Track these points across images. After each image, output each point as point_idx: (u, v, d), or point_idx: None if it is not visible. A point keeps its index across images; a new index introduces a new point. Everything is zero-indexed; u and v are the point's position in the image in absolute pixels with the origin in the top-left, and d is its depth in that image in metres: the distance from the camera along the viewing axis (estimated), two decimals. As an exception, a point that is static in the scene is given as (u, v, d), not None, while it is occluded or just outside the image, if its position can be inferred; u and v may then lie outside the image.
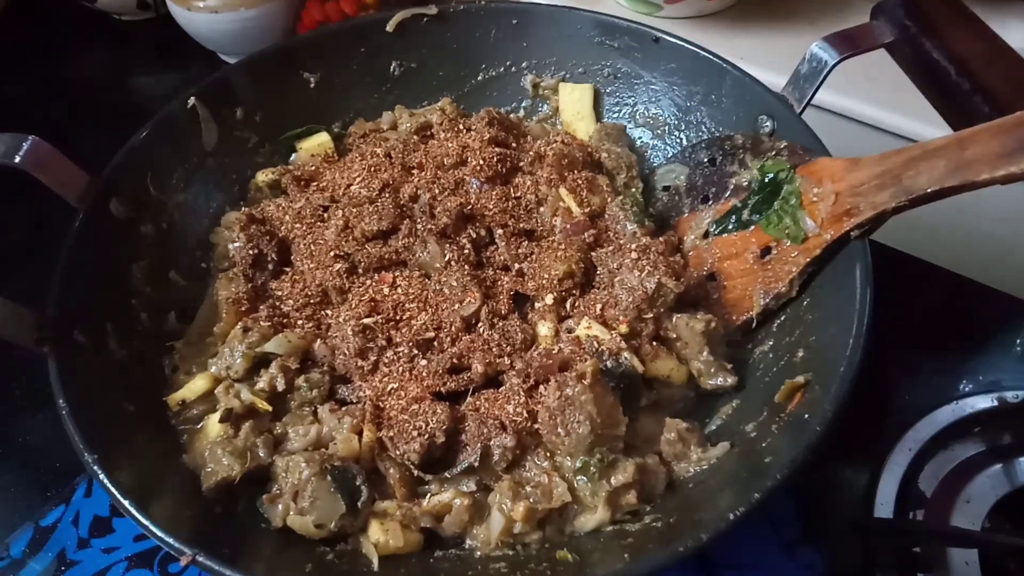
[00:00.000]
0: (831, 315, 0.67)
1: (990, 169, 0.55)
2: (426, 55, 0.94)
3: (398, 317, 0.74)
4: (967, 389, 0.83)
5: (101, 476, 0.59)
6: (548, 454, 0.66)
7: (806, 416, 0.61)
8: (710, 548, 0.63)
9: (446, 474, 0.65)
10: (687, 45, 0.84)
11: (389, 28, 0.92)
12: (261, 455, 0.66)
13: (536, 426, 0.66)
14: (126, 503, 0.57)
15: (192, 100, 0.83)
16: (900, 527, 0.74)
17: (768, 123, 0.78)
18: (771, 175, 0.73)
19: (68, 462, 0.81)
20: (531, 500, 0.63)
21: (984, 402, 0.80)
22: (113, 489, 0.58)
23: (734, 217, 0.76)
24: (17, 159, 0.67)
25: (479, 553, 0.64)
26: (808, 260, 0.68)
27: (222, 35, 1.18)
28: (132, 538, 0.76)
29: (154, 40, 1.31)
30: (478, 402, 0.69)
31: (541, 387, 0.67)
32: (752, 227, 0.74)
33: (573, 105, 0.93)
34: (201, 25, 1.17)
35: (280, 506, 0.64)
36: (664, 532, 0.62)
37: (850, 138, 1.06)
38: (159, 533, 0.56)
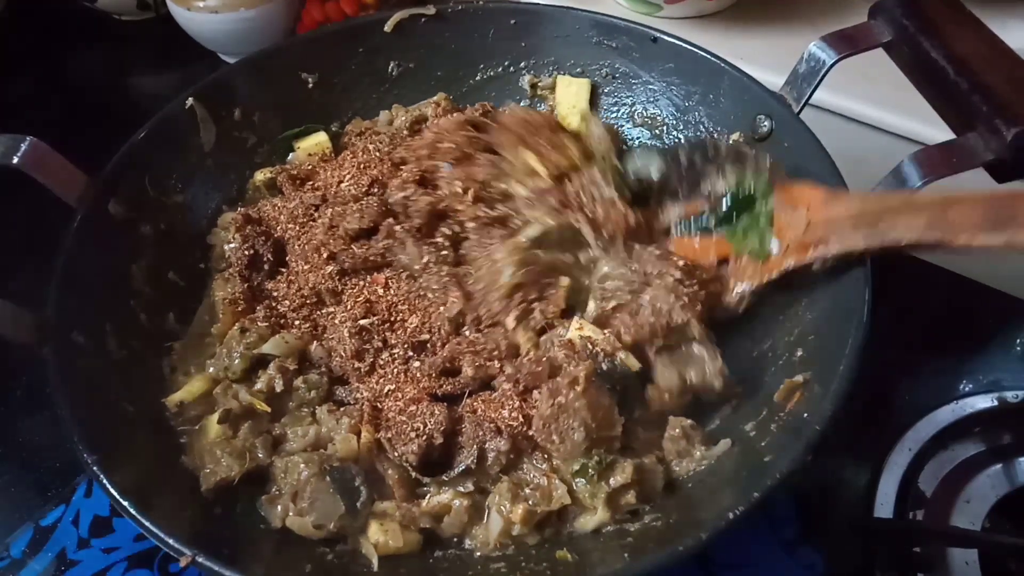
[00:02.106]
0: (830, 315, 0.67)
1: (968, 236, 0.56)
2: (424, 55, 0.94)
3: (393, 319, 0.74)
4: (967, 389, 0.83)
5: (101, 477, 0.59)
6: (546, 456, 0.66)
7: (805, 415, 0.61)
8: (710, 548, 0.63)
9: (443, 476, 0.65)
10: (685, 45, 0.84)
11: (387, 28, 0.92)
12: (260, 456, 0.66)
13: (531, 431, 0.66)
14: (125, 504, 0.57)
15: (190, 100, 0.83)
16: (900, 527, 0.74)
17: (766, 123, 0.78)
18: (749, 190, 0.73)
19: (68, 462, 0.81)
20: (530, 502, 0.63)
21: (984, 402, 0.80)
22: (112, 490, 0.58)
23: (700, 221, 0.75)
24: (15, 160, 0.67)
25: (478, 553, 0.64)
26: (762, 282, 0.68)
27: (222, 35, 1.18)
28: (132, 538, 0.75)
29: (154, 40, 1.31)
30: (475, 403, 0.69)
31: (535, 392, 0.67)
32: (716, 235, 0.73)
33: (570, 99, 0.92)
34: (201, 25, 1.17)
35: (279, 507, 0.64)
36: (664, 532, 0.62)
37: (848, 138, 1.06)
38: (159, 534, 0.56)
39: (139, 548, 0.75)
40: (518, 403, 0.66)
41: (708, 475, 0.66)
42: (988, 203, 0.56)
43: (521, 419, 0.66)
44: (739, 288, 0.70)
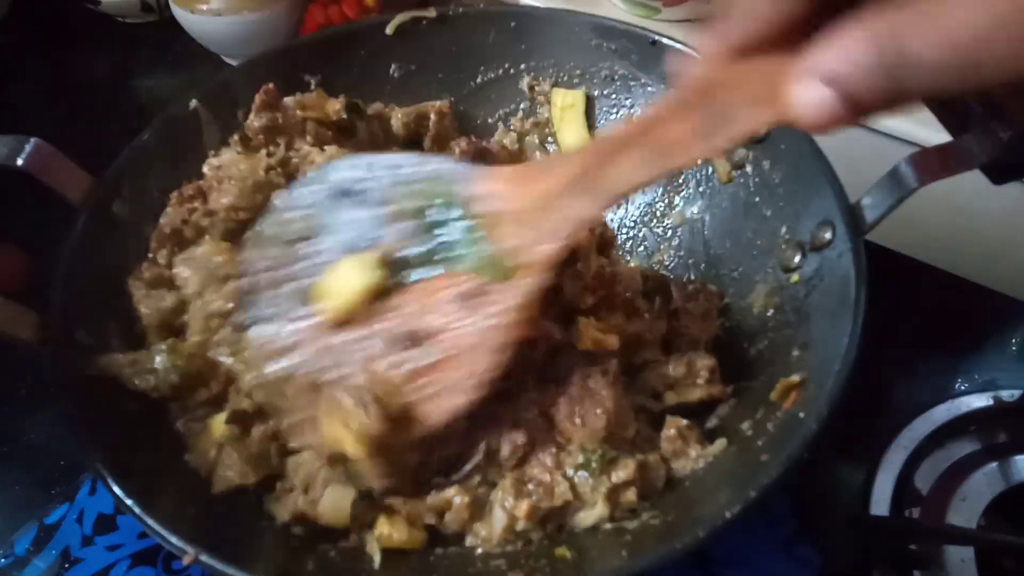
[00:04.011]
0: (826, 314, 0.67)
1: (686, 156, 0.49)
2: (425, 58, 0.94)
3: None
4: (963, 388, 0.83)
5: (105, 475, 0.59)
6: (554, 450, 0.67)
7: (801, 415, 0.61)
8: (708, 546, 0.63)
9: (454, 477, 0.66)
10: (684, 48, 0.85)
11: (389, 31, 0.92)
12: (274, 462, 0.67)
13: (552, 410, 0.66)
14: (129, 503, 0.58)
15: (194, 102, 0.84)
16: (896, 525, 0.75)
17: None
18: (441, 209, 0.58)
19: (72, 460, 0.81)
20: (533, 498, 0.64)
21: (980, 401, 0.81)
22: (117, 489, 0.58)
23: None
24: (20, 161, 0.68)
25: (480, 551, 0.64)
26: (520, 303, 0.56)
27: (225, 38, 1.18)
28: (136, 535, 0.76)
29: (157, 43, 1.31)
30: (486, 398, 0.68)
31: (552, 383, 0.68)
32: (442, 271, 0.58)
33: (565, 111, 0.93)
34: (204, 28, 1.18)
35: (289, 500, 0.65)
36: (662, 530, 0.62)
37: (844, 140, 1.07)
38: (162, 532, 0.57)
39: (143, 545, 0.75)
40: (535, 394, 0.67)
41: (706, 474, 0.66)
42: (698, 109, 0.47)
43: (536, 411, 0.66)
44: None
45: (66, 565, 0.75)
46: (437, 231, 0.58)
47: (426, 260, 0.59)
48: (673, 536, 0.57)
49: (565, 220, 0.54)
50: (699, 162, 0.52)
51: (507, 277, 0.56)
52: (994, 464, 0.78)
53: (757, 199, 0.81)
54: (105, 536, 0.76)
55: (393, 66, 0.95)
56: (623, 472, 0.64)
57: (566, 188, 0.53)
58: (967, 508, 0.75)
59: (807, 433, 0.58)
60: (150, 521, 0.57)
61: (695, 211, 0.87)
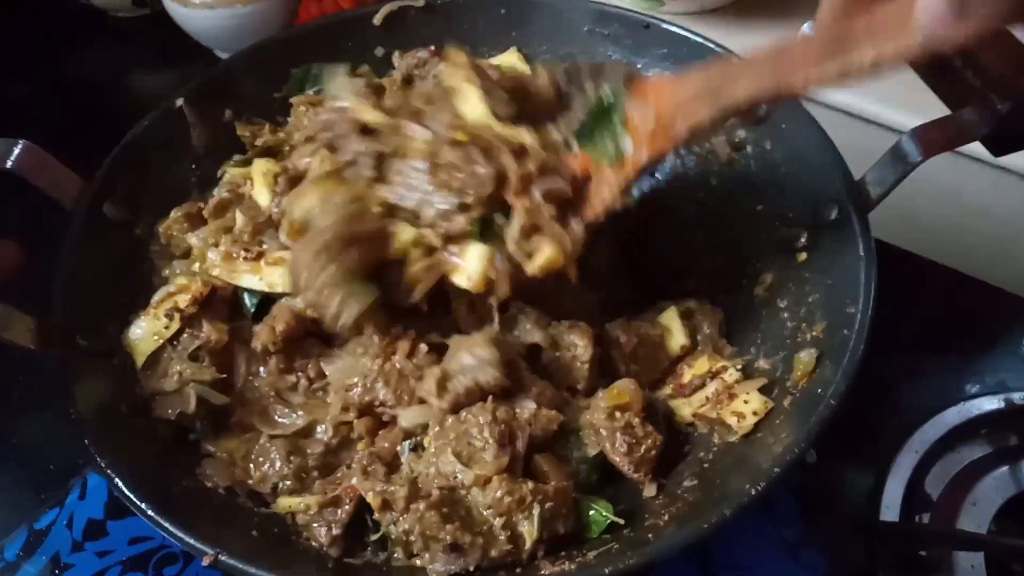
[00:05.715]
0: (836, 290, 0.66)
1: (803, 76, 0.54)
2: (414, 47, 0.92)
3: None
4: (973, 390, 0.82)
5: (116, 481, 0.58)
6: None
7: (819, 391, 0.61)
8: (713, 545, 0.64)
9: None
10: (677, 30, 0.82)
11: (376, 21, 0.90)
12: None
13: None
14: (144, 507, 0.57)
15: (180, 101, 0.82)
16: (906, 530, 0.74)
17: (763, 105, 0.77)
18: (604, 100, 0.67)
19: (62, 464, 0.80)
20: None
21: (990, 404, 0.80)
22: (132, 495, 0.58)
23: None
24: (9, 164, 0.67)
25: None
26: (621, 181, 0.65)
27: (218, 31, 1.17)
28: (127, 541, 0.75)
29: (150, 37, 1.30)
30: None
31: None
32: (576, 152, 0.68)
33: None
34: (197, 22, 1.16)
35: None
36: (686, 511, 0.61)
37: (838, 130, 1.05)
38: (181, 536, 0.56)
39: (133, 552, 0.74)
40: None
41: (723, 455, 0.65)
42: (819, 38, 0.53)
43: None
44: (600, 200, 0.66)
45: (56, 571, 0.74)
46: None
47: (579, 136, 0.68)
48: (699, 516, 0.56)
49: (683, 121, 0.61)
50: (809, 87, 0.56)
51: (618, 164, 0.65)
52: (1004, 468, 0.76)
53: (760, 180, 0.79)
54: (95, 542, 0.75)
55: (380, 56, 0.92)
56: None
57: (694, 97, 0.61)
58: (977, 513, 0.74)
59: (826, 409, 0.58)
60: (168, 524, 0.57)
61: (700, 196, 0.85)
